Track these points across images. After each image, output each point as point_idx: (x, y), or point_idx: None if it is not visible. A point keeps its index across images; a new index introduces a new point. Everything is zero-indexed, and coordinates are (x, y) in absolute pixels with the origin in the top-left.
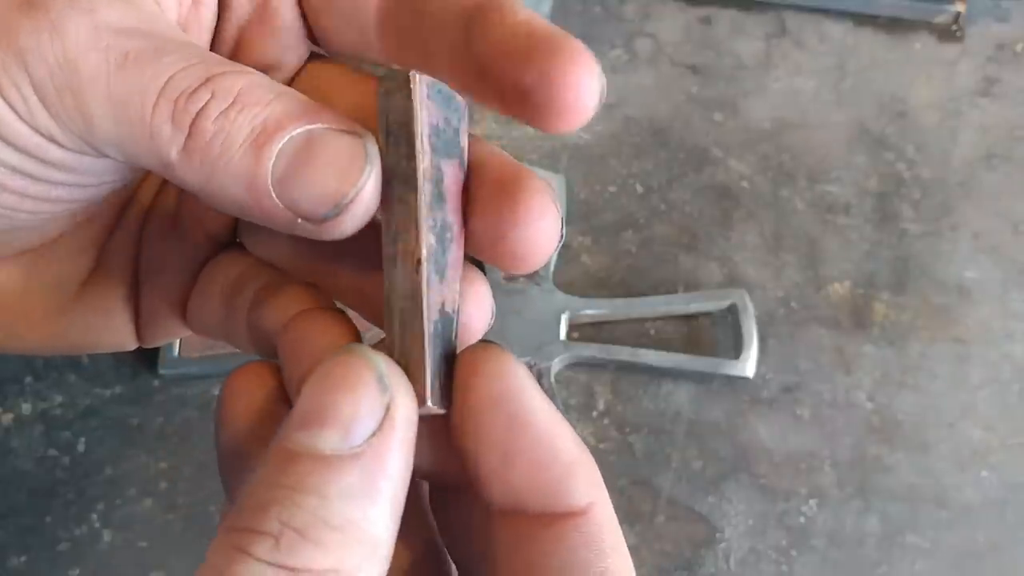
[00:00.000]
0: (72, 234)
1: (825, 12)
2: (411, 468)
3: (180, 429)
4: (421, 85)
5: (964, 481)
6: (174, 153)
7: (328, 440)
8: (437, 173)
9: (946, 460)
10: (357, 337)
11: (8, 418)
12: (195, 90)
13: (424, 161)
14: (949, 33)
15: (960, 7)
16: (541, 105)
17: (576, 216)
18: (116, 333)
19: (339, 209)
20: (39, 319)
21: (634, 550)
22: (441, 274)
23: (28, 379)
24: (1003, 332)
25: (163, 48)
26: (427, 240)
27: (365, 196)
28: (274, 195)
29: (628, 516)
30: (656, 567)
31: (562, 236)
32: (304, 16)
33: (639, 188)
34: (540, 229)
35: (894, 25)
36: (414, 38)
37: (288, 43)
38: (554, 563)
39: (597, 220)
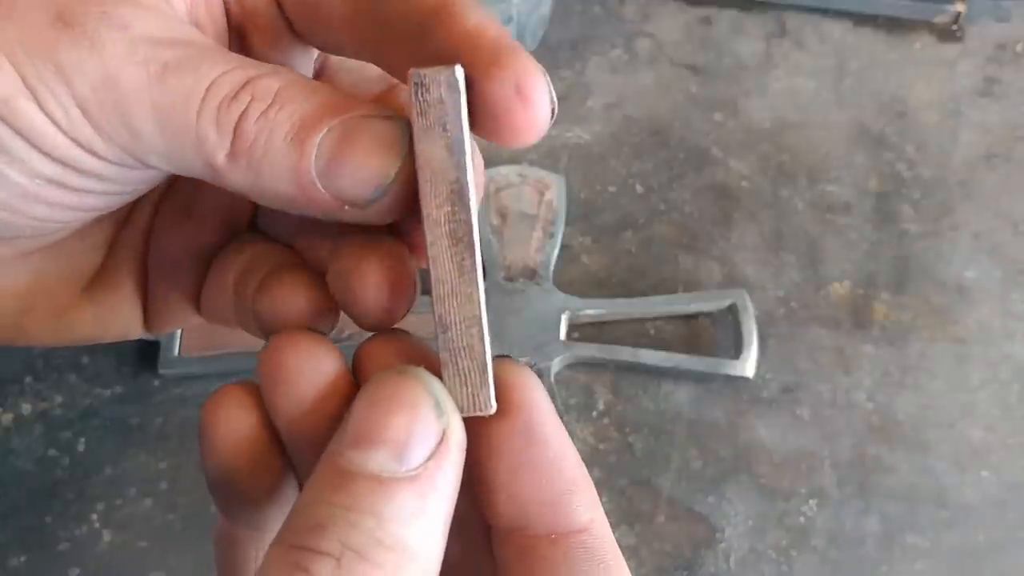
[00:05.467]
0: (84, 232)
1: (825, 12)
2: (459, 488)
3: (180, 429)
4: (459, 79)
5: (964, 481)
6: (221, 157)
7: (383, 462)
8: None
9: (946, 460)
10: (341, 361)
11: (8, 418)
12: (236, 94)
13: (467, 160)
14: (949, 33)
15: (960, 7)
16: (486, 120)
17: (576, 216)
18: (124, 324)
19: (383, 191)
20: (47, 314)
21: (634, 550)
22: (482, 278)
23: (28, 379)
24: (1003, 332)
25: (200, 55)
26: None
27: (405, 178)
28: (319, 185)
29: (628, 516)
30: (656, 567)
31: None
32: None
33: (639, 188)
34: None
35: (894, 25)
36: (377, 39)
37: (282, 44)
38: None
39: (597, 220)
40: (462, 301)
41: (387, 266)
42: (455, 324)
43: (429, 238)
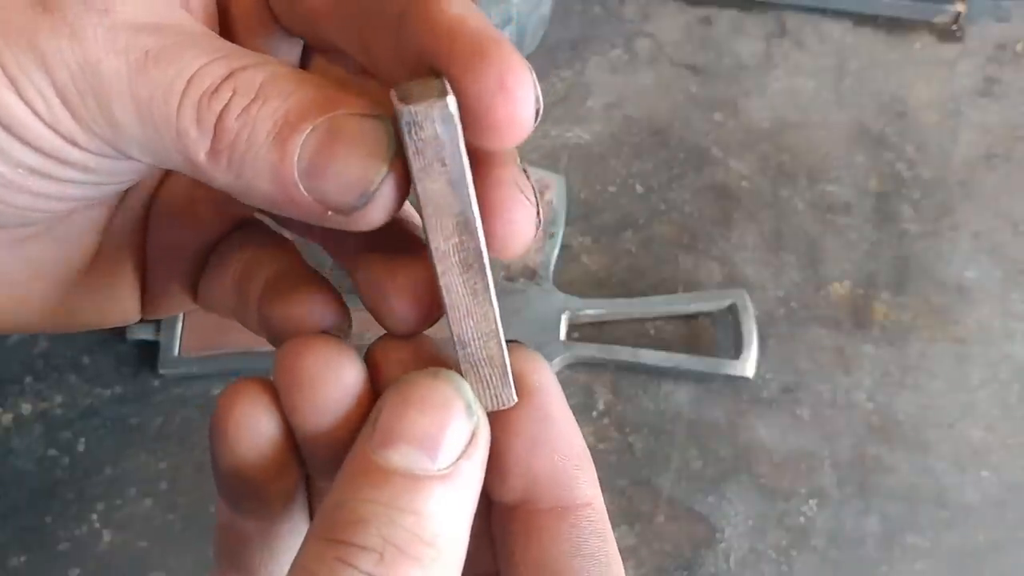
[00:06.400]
0: (74, 218)
1: (825, 12)
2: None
3: (180, 429)
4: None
5: (964, 481)
6: (202, 155)
7: (418, 460)
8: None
9: (946, 460)
10: (361, 366)
11: (8, 418)
12: (218, 87)
13: (471, 194)
14: (949, 33)
15: (960, 7)
16: (465, 118)
17: (576, 216)
18: (122, 310)
19: (367, 198)
20: (44, 300)
21: (634, 550)
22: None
23: (28, 379)
24: (1003, 332)
25: (183, 44)
26: (492, 287)
27: (390, 184)
28: (301, 187)
29: (628, 516)
30: (656, 567)
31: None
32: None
33: (639, 188)
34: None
35: (894, 25)
36: (357, 29)
37: (268, 32)
38: (568, 549)
39: (597, 220)
40: (479, 320)
41: (425, 277)
42: (473, 340)
43: (439, 268)
